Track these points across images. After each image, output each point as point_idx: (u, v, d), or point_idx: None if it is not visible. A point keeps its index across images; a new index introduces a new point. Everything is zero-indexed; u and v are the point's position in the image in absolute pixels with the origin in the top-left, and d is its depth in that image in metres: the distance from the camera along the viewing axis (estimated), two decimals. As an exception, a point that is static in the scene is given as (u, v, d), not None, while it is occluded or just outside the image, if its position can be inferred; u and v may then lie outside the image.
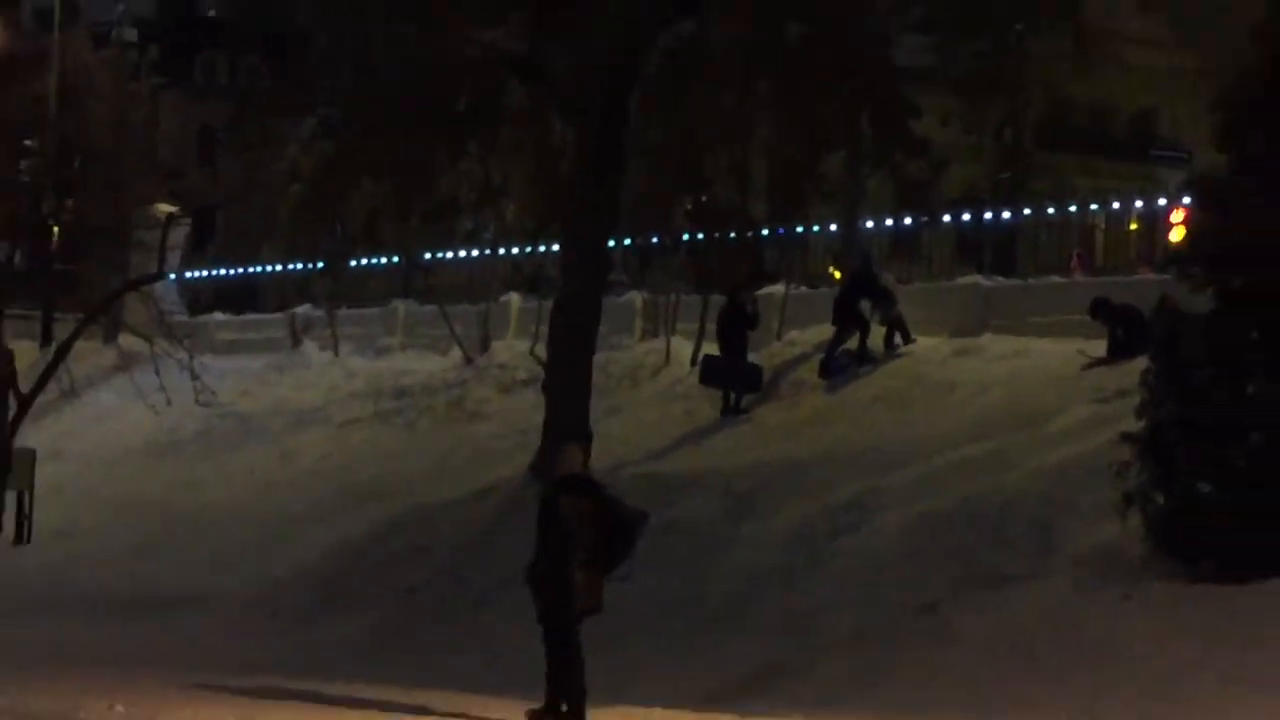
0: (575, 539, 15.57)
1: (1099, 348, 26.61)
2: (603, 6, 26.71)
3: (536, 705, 15.53)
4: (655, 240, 34.63)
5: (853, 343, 29.71)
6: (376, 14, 27.49)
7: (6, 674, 11.15)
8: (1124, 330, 26.08)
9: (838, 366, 29.60)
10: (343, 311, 39.92)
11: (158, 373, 20.24)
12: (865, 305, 29.92)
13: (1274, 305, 18.93)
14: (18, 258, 44.86)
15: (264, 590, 26.60)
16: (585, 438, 24.93)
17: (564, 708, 15.68)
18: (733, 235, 33.36)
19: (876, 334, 29.95)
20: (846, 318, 29.71)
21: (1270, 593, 17.49)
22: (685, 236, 33.62)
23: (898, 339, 29.91)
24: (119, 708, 14.73)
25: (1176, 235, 31.72)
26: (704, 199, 31.65)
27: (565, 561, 15.61)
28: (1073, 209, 41.46)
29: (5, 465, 9.13)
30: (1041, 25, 29.94)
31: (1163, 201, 37.63)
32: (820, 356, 29.98)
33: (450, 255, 41.37)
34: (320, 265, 40.29)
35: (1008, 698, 16.48)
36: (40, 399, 9.53)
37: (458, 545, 25.68)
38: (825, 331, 30.27)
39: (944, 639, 18.81)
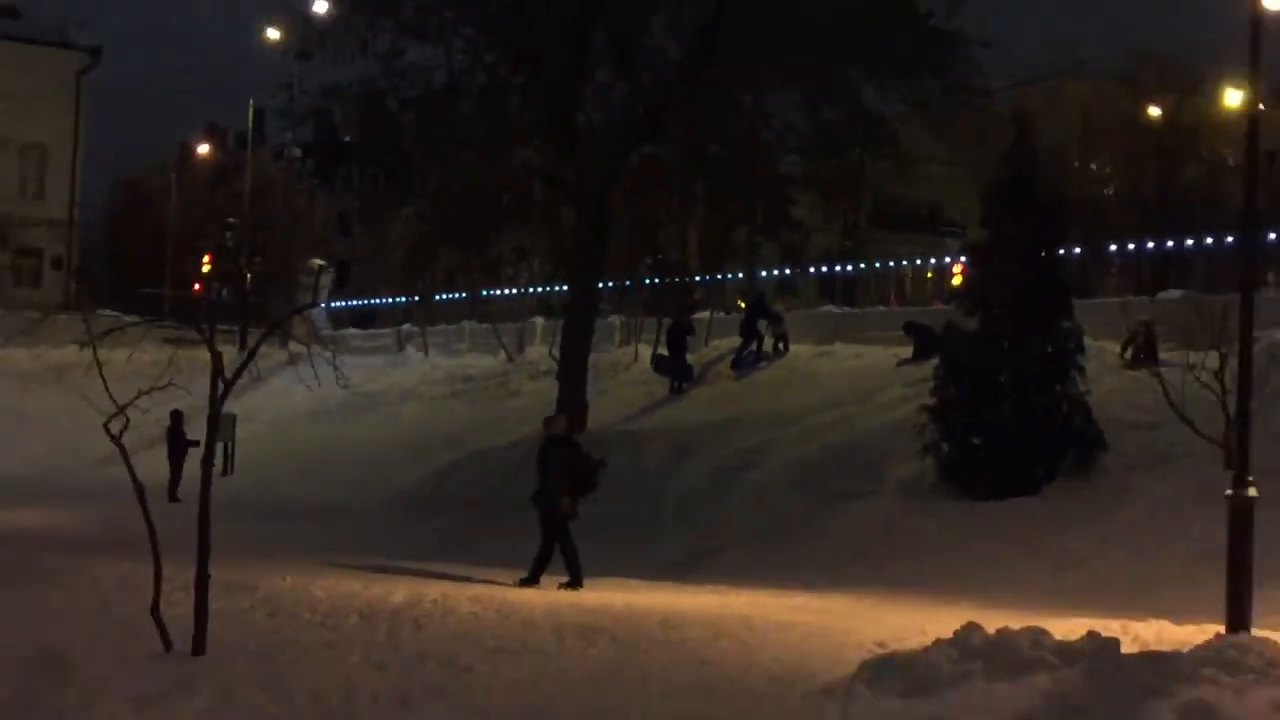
0: (559, 475, 18.25)
1: (907, 352, 30.11)
2: (593, 138, 30.48)
3: (523, 574, 18.07)
4: (628, 283, 37.88)
5: (766, 346, 33.94)
6: (452, 143, 30.74)
7: (216, 558, 11.54)
8: (922, 341, 29.01)
9: (744, 364, 33.71)
10: (430, 328, 44.74)
11: (313, 366, 19.65)
12: (761, 324, 34.16)
13: (1016, 326, 22.40)
14: (225, 294, 47.46)
15: (378, 503, 28.88)
16: (582, 408, 29.36)
17: (566, 580, 17.83)
18: (676, 280, 36.44)
19: (768, 343, 34.03)
20: (749, 332, 34.01)
21: (1010, 505, 21.01)
22: (646, 281, 36.89)
23: (781, 346, 33.99)
24: (288, 578, 16.40)
25: (956, 281, 37.49)
26: (658, 258, 35.13)
27: (555, 489, 18.23)
28: (891, 264, 47.76)
29: (215, 425, 11.39)
30: (873, 151, 31.92)
31: (948, 260, 43.06)
32: (732, 357, 34.14)
33: (498, 293, 45.98)
34: (416, 299, 46.06)
35: (851, 573, 19.10)
36: (237, 384, 11.89)
37: (500, 475, 27.57)
38: (734, 341, 34.56)
39: (811, 535, 22.17)
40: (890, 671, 10.73)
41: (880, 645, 12.27)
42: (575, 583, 17.80)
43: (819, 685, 10.72)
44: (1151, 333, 26.02)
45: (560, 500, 18.15)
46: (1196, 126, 55.09)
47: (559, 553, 18.10)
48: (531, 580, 17.82)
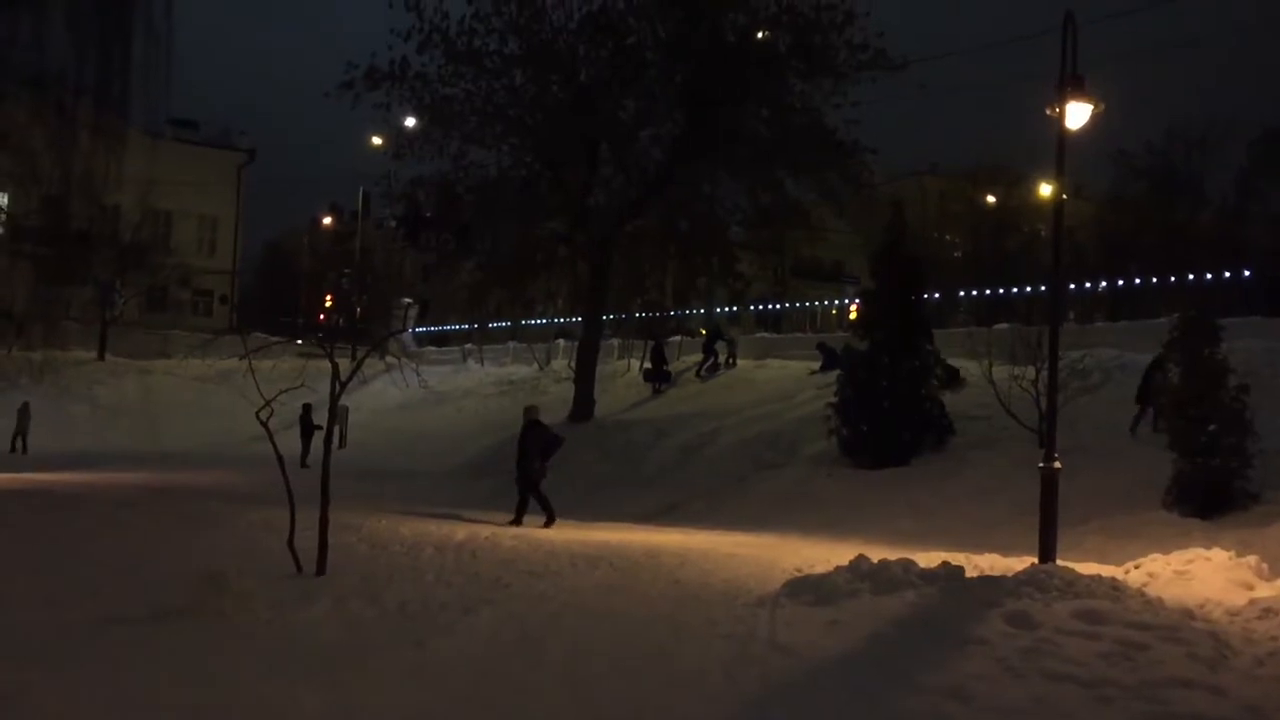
0: (535, 446, 18.25)
1: (817, 366, 30.04)
2: (599, 214, 30.49)
3: (510, 517, 17.62)
4: (623, 316, 36.91)
5: (721, 361, 33.93)
6: (500, 217, 30.93)
7: (333, 506, 11.66)
8: (829, 357, 29.00)
9: (705, 373, 33.54)
10: (485, 346, 44.46)
11: (402, 373, 22.16)
12: (720, 345, 34.23)
13: (893, 348, 22.29)
14: (341, 322, 47.64)
15: (448, 469, 28.42)
16: (590, 404, 29.91)
17: (544, 521, 17.43)
18: (657, 314, 35.53)
19: (723, 359, 33.80)
20: (708, 351, 34.13)
21: (888, 472, 21.00)
22: (637, 314, 35.91)
23: (732, 361, 34.06)
24: (383, 520, 16.20)
25: (853, 316, 37.46)
26: (644, 298, 33.84)
27: (531, 459, 18.16)
28: (808, 304, 48.44)
29: (334, 414, 11.32)
30: (793, 224, 32.17)
31: (847, 301, 43.84)
32: (695, 368, 33.92)
33: (532, 322, 45.58)
34: (475, 326, 45.13)
35: (776, 520, 18.89)
36: (349, 385, 11.40)
37: None
38: (698, 357, 34.46)
39: (749, 493, 22.05)
40: (805, 588, 10.78)
41: (798, 570, 12.22)
42: (550, 521, 17.48)
43: (755, 597, 10.78)
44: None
45: (535, 464, 17.99)
46: (1018, 208, 55.36)
47: (520, 506, 17.89)
48: (516, 522, 17.42)
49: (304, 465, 24.94)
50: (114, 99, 15.43)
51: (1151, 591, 10.64)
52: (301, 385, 13.77)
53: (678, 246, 31.32)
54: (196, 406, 37.88)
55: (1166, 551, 12.71)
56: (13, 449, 32.78)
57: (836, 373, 24.47)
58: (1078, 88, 12.92)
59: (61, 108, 15.63)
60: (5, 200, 32.75)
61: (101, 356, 42.76)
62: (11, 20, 15.39)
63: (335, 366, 12.39)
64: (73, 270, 41.15)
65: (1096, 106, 13.17)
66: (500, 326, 45.03)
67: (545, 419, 17.74)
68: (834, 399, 22.99)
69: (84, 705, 6.67)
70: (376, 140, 33.05)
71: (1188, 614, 9.74)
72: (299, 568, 11.25)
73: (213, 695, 6.94)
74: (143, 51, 15.26)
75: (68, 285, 42.54)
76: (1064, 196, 14.14)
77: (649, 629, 9.39)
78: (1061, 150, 13.28)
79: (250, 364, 12.09)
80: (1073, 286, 37.43)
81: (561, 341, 40.85)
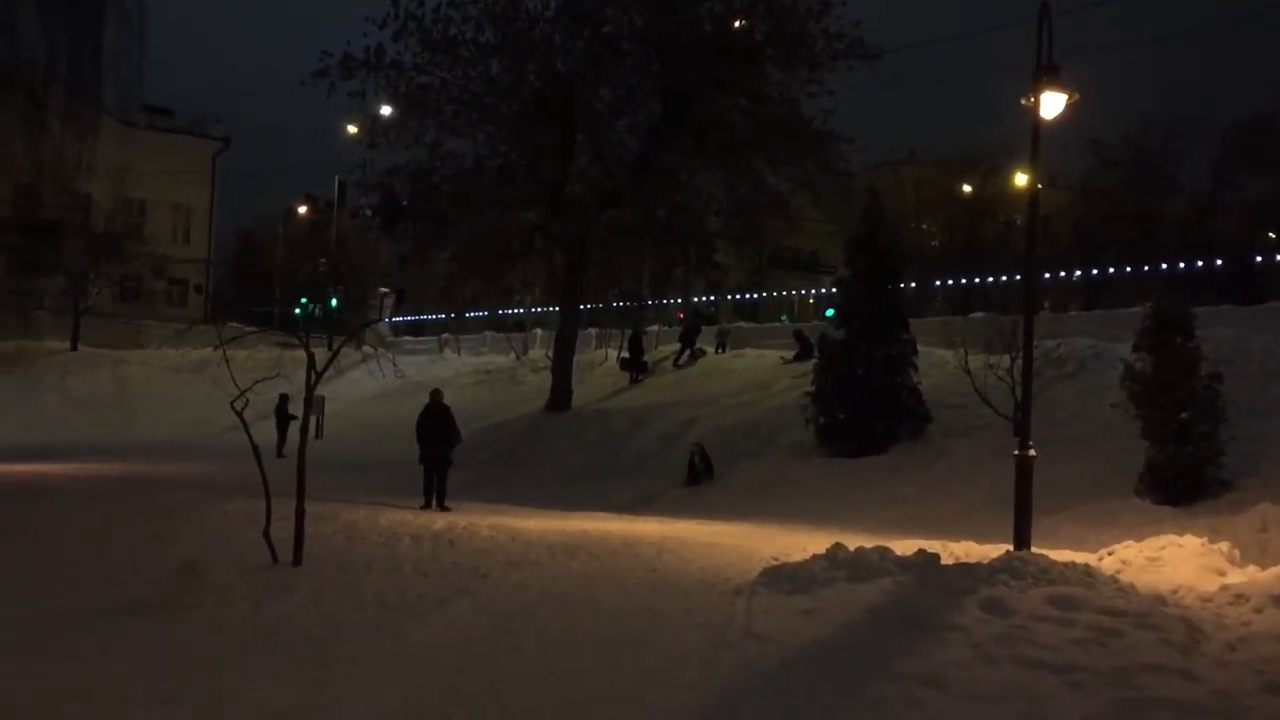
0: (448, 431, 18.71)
1: (790, 355, 29.98)
2: (576, 204, 30.47)
3: (419, 504, 17.92)
4: (599, 305, 37.29)
5: (710, 349, 33.61)
6: (477, 206, 30.55)
7: (310, 496, 11.64)
8: (805, 346, 28.85)
9: (685, 361, 33.17)
10: (462, 336, 44.24)
11: (379, 363, 19.87)
12: (707, 334, 34.22)
13: (869, 337, 22.45)
14: (317, 311, 46.37)
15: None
16: (568, 393, 29.75)
17: (436, 504, 17.93)
18: (634, 304, 35.99)
19: (712, 347, 33.64)
20: (686, 341, 33.76)
21: (865, 461, 21.12)
22: (615, 304, 36.60)
23: (723, 349, 33.60)
24: (360, 511, 15.92)
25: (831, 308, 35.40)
26: (621, 288, 34.49)
27: (449, 440, 18.81)
28: (783, 294, 48.83)
29: (309, 404, 11.28)
30: (770, 214, 31.05)
31: (824, 290, 43.97)
32: (674, 358, 33.66)
33: (509, 311, 46.31)
34: (452, 315, 45.20)
35: (753, 509, 18.94)
36: (325, 375, 11.23)
37: (510, 440, 27.82)
38: (675, 346, 34.04)
39: (726, 482, 21.92)
40: (782, 577, 10.79)
41: (774, 558, 12.17)
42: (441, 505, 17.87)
43: (732, 586, 10.78)
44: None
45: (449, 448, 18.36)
46: (994, 197, 55.45)
47: (441, 488, 18.21)
48: (428, 506, 17.70)
49: (280, 455, 24.77)
50: (86, 86, 15.30)
51: (1125, 578, 10.69)
52: (277, 375, 13.76)
53: (654, 236, 31.28)
54: (171, 397, 37.52)
55: (1140, 538, 12.81)
56: None
57: (813, 361, 24.44)
58: (1053, 77, 12.96)
59: (33, 95, 15.45)
60: (-24, 189, 32.51)
61: (74, 347, 42.43)
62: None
63: (311, 356, 12.34)
64: (45, 260, 41.04)
65: (1071, 96, 13.21)
66: (477, 316, 45.07)
67: (524, 409, 17.83)
68: (811, 388, 22.93)
69: (60, 697, 6.64)
70: (352, 129, 32.85)
71: (1160, 600, 9.79)
72: (275, 558, 11.23)
73: (189, 686, 6.93)
74: (115, 38, 15.09)
75: (40, 275, 42.33)
76: (1039, 186, 14.15)
77: (627, 618, 9.37)
78: (1036, 139, 13.31)
79: (225, 354, 12.06)
80: (1048, 276, 37.59)
81: (539, 331, 40.63)
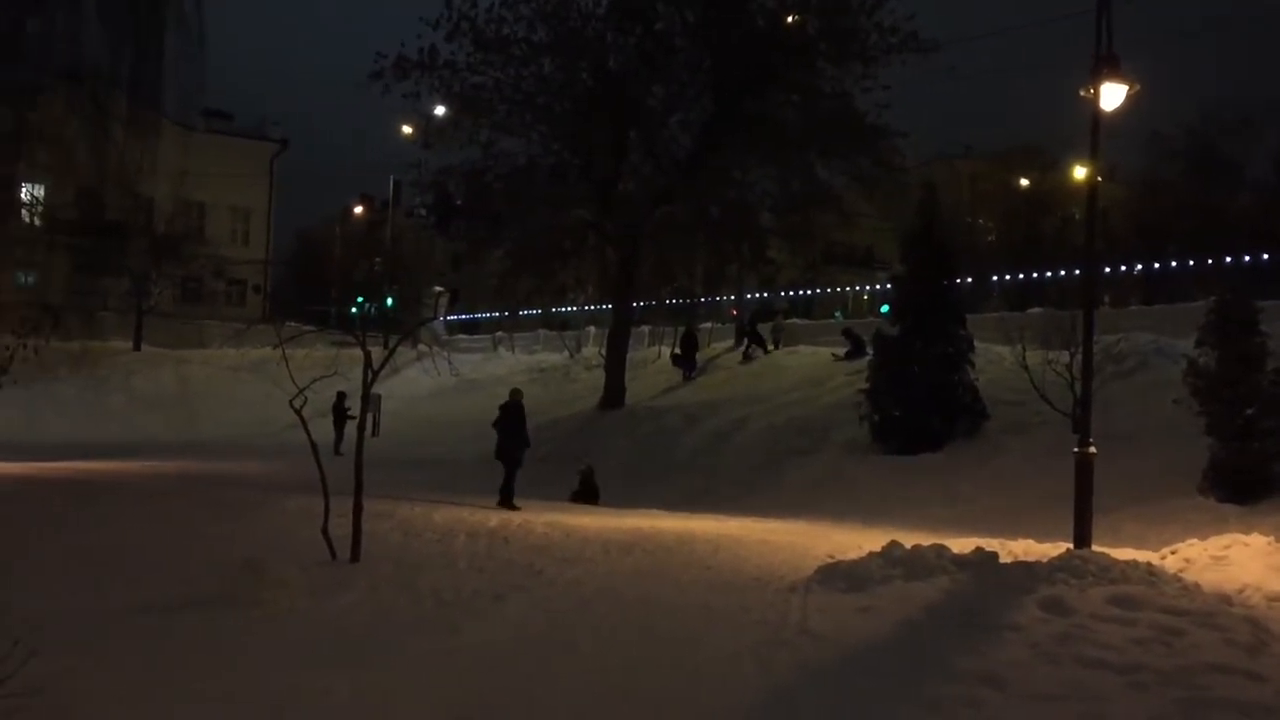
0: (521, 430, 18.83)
1: (841, 352, 29.70)
2: (628, 201, 30.43)
3: (494, 501, 17.77)
4: (652, 303, 37.28)
5: (767, 346, 33.17)
6: (529, 205, 30.73)
7: (367, 493, 11.76)
8: (856, 344, 28.77)
9: (747, 359, 32.86)
10: (516, 334, 44.87)
11: (434, 361, 21.90)
12: (764, 328, 33.72)
13: (925, 333, 22.26)
14: (373, 310, 47.99)
15: (480, 456, 24.64)
16: (621, 390, 29.84)
17: (499, 501, 17.81)
18: (686, 301, 36.56)
19: (769, 343, 33.28)
20: (746, 336, 33.67)
21: (921, 458, 20.95)
22: (668, 302, 36.79)
23: (777, 346, 33.48)
24: (416, 508, 16.23)
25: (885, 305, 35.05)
26: (674, 285, 34.85)
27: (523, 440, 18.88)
28: (839, 290, 48.25)
29: (366, 401, 11.35)
30: (824, 209, 30.83)
31: (879, 286, 42.99)
32: (731, 353, 33.51)
33: (563, 309, 45.49)
34: (506, 314, 45.17)
35: (807, 506, 18.97)
36: (381, 373, 12.36)
37: (564, 436, 27.77)
38: (728, 344, 34.02)
39: (780, 480, 22.11)
40: (837, 574, 10.72)
41: (830, 556, 12.08)
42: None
43: (787, 584, 10.73)
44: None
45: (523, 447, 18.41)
46: (1052, 191, 54.74)
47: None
48: (506, 505, 17.62)
49: (338, 453, 24.76)
50: (147, 91, 15.54)
51: (1188, 577, 10.54)
52: (334, 374, 13.83)
53: (707, 233, 31.22)
54: (231, 396, 37.99)
55: (1204, 537, 12.63)
56: None
57: (866, 358, 24.26)
58: (1113, 68, 12.81)
59: (96, 100, 15.74)
60: (42, 193, 33.21)
61: (138, 347, 43.16)
62: (46, 14, 15.51)
63: (367, 355, 12.49)
64: (108, 261, 41.87)
65: (1132, 87, 13.06)
66: (530, 314, 45.25)
67: (577, 406, 17.78)
68: (865, 385, 22.83)
69: (122, 691, 6.72)
70: (407, 130, 33.19)
71: (1225, 599, 9.63)
72: (333, 555, 11.32)
73: (247, 682, 7.00)
74: (176, 43, 15.34)
75: (103, 276, 43.18)
76: (1099, 179, 14.00)
77: (681, 615, 9.34)
78: (1096, 132, 13.14)
79: (283, 353, 12.12)
80: (1107, 270, 36.96)
81: (592, 329, 40.88)
